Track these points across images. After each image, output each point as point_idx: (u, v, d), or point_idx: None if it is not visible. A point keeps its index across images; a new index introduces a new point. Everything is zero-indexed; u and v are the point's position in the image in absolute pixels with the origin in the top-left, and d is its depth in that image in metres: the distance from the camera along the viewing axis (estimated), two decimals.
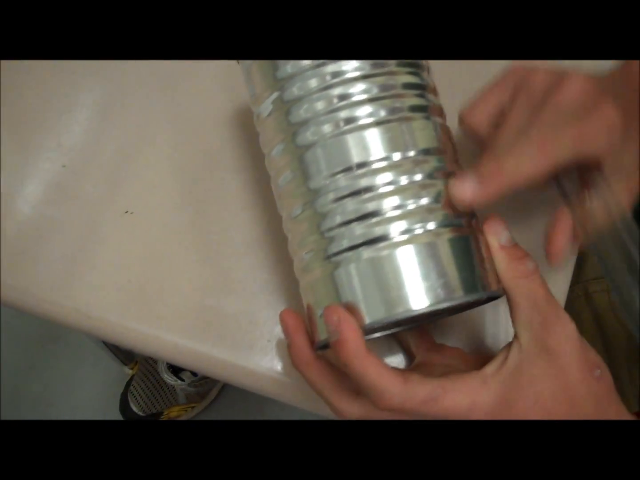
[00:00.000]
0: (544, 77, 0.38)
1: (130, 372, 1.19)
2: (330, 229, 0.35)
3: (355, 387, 0.36)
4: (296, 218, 0.37)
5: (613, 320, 0.59)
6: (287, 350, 0.38)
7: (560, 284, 0.47)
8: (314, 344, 0.37)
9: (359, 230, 0.35)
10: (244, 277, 0.48)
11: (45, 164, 0.52)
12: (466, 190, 0.34)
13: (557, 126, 0.35)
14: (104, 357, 1.17)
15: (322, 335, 0.36)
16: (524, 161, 0.34)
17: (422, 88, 0.37)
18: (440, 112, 0.39)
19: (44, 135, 0.53)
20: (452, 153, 0.38)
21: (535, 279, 0.35)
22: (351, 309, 0.34)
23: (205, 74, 0.53)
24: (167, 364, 1.12)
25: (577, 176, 0.38)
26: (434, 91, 0.39)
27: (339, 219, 0.35)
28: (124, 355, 1.18)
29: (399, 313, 0.34)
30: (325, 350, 0.37)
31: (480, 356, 0.40)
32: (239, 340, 0.46)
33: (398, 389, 0.33)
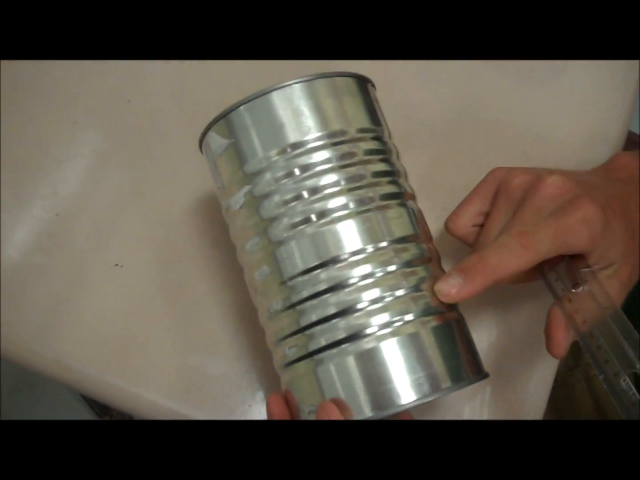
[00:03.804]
0: (522, 177, 0.39)
1: None
2: (310, 326, 0.34)
3: None
4: (273, 314, 0.36)
5: (613, 405, 0.59)
6: None
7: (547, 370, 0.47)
8: None
9: (340, 326, 0.34)
10: (229, 339, 0.47)
11: (39, 211, 0.52)
12: (452, 286, 0.34)
13: (536, 222, 0.36)
14: (79, 408, 1.14)
15: None
16: (506, 255, 0.35)
17: (393, 175, 0.37)
18: (412, 197, 0.39)
19: (40, 183, 0.53)
20: (428, 236, 0.38)
21: None
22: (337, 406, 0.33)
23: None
24: None
25: (565, 270, 0.38)
26: (405, 176, 0.39)
27: (319, 315, 0.34)
28: (100, 407, 1.15)
29: (386, 411, 0.33)
30: None
31: None
32: (220, 404, 0.45)
33: None
